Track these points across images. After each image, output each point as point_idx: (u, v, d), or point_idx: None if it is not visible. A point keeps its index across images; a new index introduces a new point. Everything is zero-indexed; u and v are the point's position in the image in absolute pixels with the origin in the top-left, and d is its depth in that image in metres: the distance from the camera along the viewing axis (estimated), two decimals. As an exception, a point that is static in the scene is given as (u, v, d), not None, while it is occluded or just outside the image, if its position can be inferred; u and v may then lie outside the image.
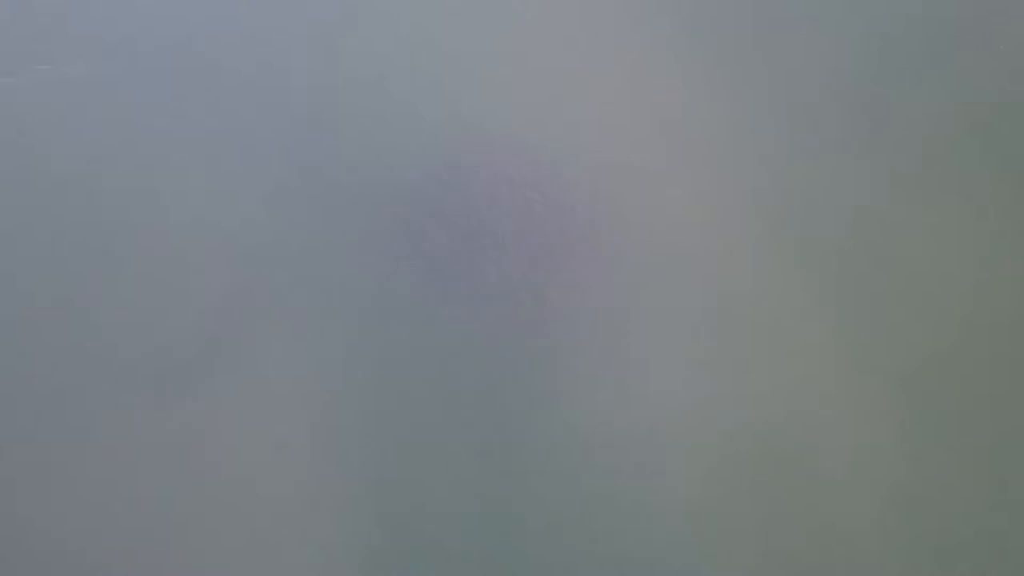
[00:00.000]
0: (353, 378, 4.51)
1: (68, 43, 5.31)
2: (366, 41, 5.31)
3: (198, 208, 4.86)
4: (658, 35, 5.36)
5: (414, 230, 4.80)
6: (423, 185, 4.91)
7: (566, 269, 4.74)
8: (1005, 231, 4.82)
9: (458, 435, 4.40)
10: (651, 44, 5.34)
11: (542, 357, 4.55)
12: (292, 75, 5.22)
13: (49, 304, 4.68)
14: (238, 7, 5.47)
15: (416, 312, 4.63)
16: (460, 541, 4.20)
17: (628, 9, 5.42)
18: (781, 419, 4.44)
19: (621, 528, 4.27)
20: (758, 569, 4.21)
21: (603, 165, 4.98)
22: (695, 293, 4.71)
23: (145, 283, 4.72)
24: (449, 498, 4.28)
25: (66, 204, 4.89)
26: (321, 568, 4.12)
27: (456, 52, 5.26)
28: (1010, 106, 5.13)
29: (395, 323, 4.63)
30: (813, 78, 5.23)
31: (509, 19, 5.42)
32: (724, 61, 5.27)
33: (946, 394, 4.48)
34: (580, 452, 4.38)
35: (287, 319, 4.63)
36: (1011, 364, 4.53)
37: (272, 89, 5.19)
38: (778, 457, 4.38)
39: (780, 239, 4.83)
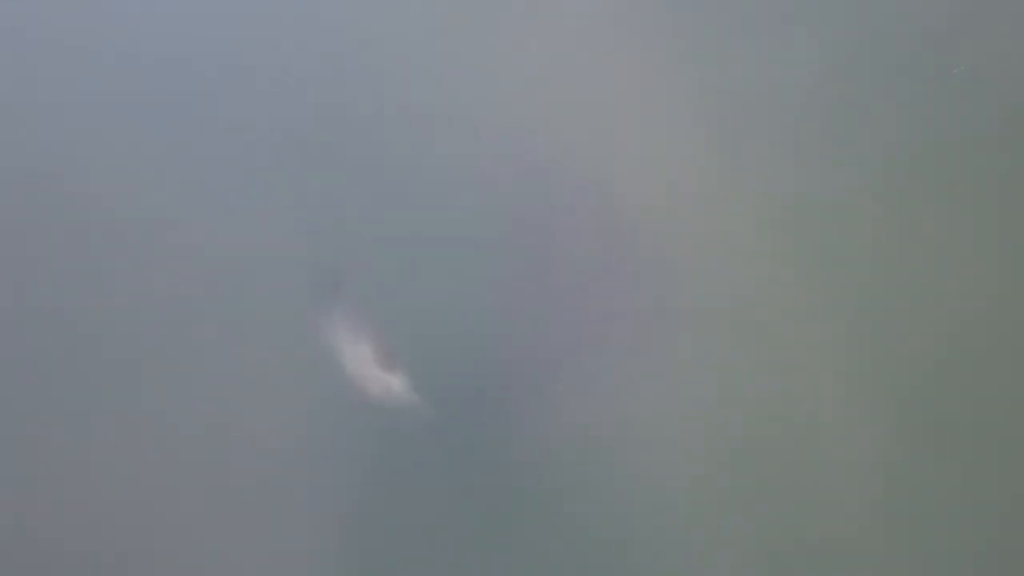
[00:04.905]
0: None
1: (66, 47, 5.35)
2: (375, 47, 5.33)
3: (192, 214, 4.88)
4: (655, 34, 5.37)
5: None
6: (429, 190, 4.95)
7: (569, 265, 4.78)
8: (1006, 232, 4.81)
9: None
10: (648, 43, 5.35)
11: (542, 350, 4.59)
12: (295, 83, 5.26)
13: (42, 307, 4.73)
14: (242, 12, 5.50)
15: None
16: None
17: (623, 8, 5.43)
18: (780, 420, 4.44)
19: (617, 525, 4.28)
20: (755, 569, 4.22)
21: (596, 165, 5.00)
22: (693, 293, 4.71)
23: (136, 287, 4.75)
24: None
25: (61, 208, 4.91)
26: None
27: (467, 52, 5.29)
28: (1011, 105, 5.12)
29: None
30: (813, 78, 5.22)
31: (508, 21, 5.42)
32: (722, 59, 5.27)
33: (945, 396, 4.47)
34: (579, 449, 4.38)
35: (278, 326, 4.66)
36: (1011, 365, 4.52)
37: (277, 97, 5.23)
38: (777, 459, 4.38)
39: (779, 239, 4.82)
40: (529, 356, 4.56)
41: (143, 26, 5.42)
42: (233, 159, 5.07)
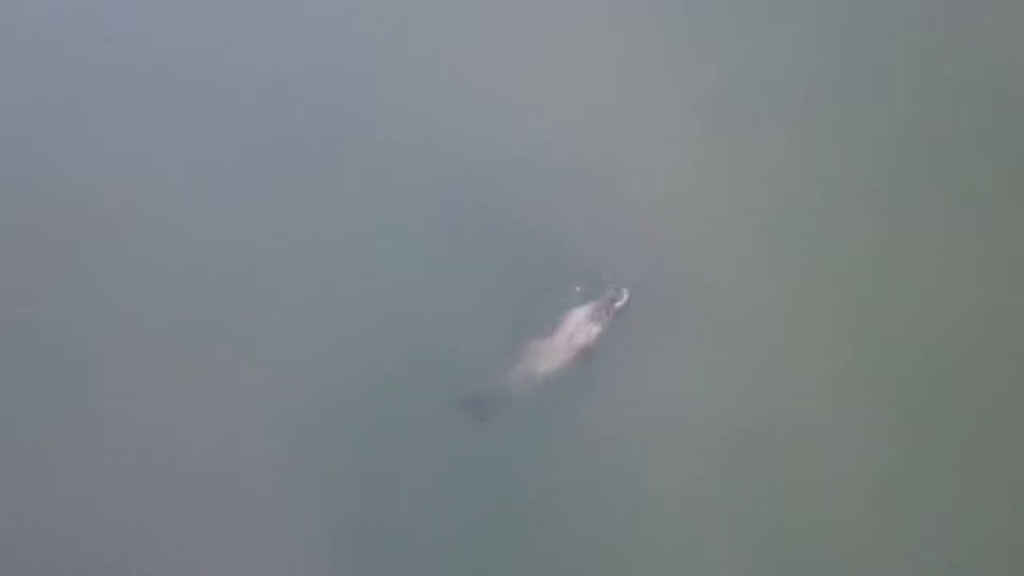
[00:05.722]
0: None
1: (72, 55, 5.38)
2: (372, 57, 5.36)
3: (192, 219, 4.93)
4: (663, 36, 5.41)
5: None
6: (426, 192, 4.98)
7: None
8: (1005, 233, 4.84)
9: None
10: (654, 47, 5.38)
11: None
12: (294, 92, 5.28)
13: (43, 306, 4.77)
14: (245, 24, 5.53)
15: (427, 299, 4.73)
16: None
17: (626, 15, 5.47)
18: (780, 420, 4.48)
19: (620, 525, 4.32)
20: (754, 566, 4.26)
21: (602, 167, 5.03)
22: (691, 292, 4.74)
23: (136, 287, 4.80)
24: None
25: (64, 213, 4.96)
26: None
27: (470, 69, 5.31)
28: (1010, 105, 5.16)
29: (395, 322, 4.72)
30: (810, 78, 5.25)
31: (509, 24, 5.45)
32: (721, 58, 5.30)
33: (942, 396, 4.51)
34: (581, 448, 4.43)
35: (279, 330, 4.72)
36: (1007, 365, 4.55)
37: (275, 106, 5.25)
38: (777, 458, 4.42)
39: (780, 240, 4.86)
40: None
41: (145, 28, 5.47)
42: (231, 157, 5.10)
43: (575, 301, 4.65)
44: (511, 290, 4.67)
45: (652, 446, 4.43)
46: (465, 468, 4.40)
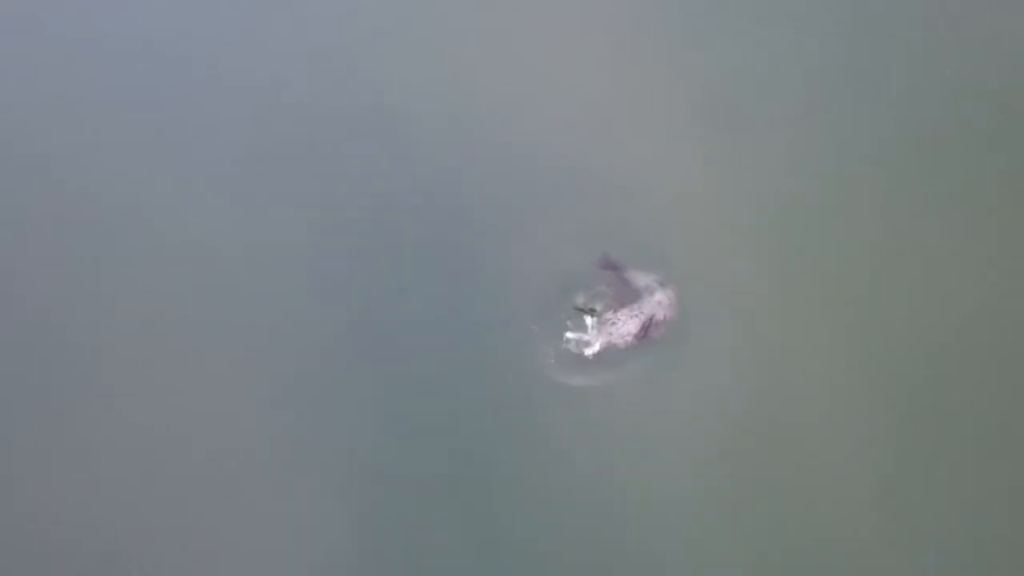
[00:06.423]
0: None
1: (73, 55, 5.38)
2: (369, 57, 5.36)
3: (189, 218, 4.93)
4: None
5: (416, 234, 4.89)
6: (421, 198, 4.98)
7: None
8: (1005, 233, 4.84)
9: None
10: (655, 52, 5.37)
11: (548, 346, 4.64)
12: (291, 89, 5.27)
13: (43, 303, 4.77)
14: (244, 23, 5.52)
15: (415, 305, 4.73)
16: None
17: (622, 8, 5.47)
18: (780, 420, 4.48)
19: (619, 525, 4.32)
20: (754, 566, 4.25)
21: (601, 166, 5.02)
22: (693, 293, 4.73)
23: (136, 287, 4.80)
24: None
25: (63, 211, 4.96)
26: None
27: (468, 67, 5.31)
28: (1010, 105, 5.15)
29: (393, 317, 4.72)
30: (808, 79, 5.25)
31: (509, 24, 5.44)
32: (725, 60, 5.30)
33: (942, 396, 4.52)
34: (579, 448, 4.44)
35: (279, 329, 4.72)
36: (1007, 365, 4.56)
37: (272, 104, 5.25)
38: (777, 459, 4.43)
39: (780, 240, 4.86)
40: (523, 351, 4.62)
41: (145, 28, 5.45)
42: (231, 157, 5.08)
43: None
44: (507, 292, 4.68)
45: (651, 446, 4.43)
46: (465, 468, 4.42)
